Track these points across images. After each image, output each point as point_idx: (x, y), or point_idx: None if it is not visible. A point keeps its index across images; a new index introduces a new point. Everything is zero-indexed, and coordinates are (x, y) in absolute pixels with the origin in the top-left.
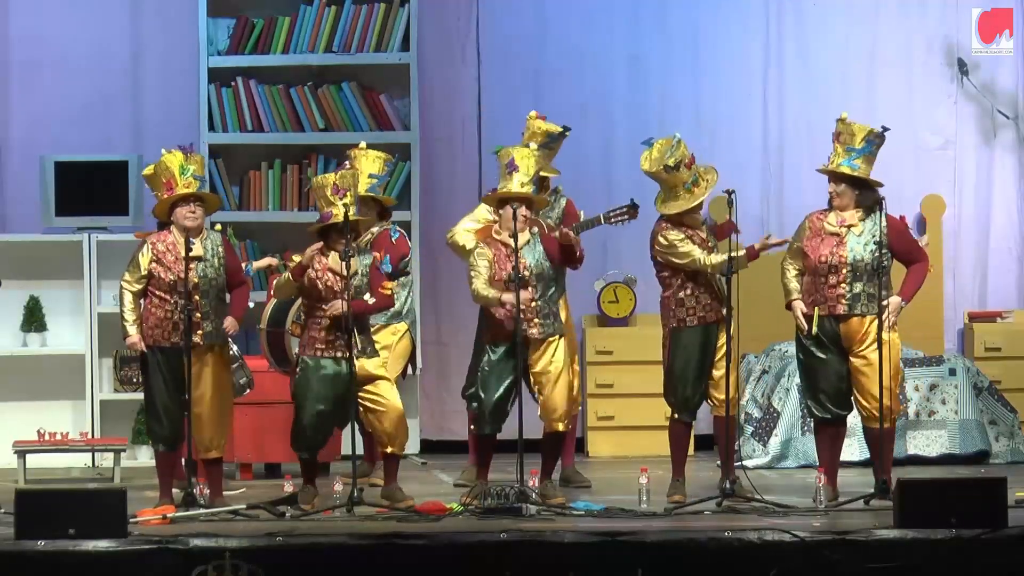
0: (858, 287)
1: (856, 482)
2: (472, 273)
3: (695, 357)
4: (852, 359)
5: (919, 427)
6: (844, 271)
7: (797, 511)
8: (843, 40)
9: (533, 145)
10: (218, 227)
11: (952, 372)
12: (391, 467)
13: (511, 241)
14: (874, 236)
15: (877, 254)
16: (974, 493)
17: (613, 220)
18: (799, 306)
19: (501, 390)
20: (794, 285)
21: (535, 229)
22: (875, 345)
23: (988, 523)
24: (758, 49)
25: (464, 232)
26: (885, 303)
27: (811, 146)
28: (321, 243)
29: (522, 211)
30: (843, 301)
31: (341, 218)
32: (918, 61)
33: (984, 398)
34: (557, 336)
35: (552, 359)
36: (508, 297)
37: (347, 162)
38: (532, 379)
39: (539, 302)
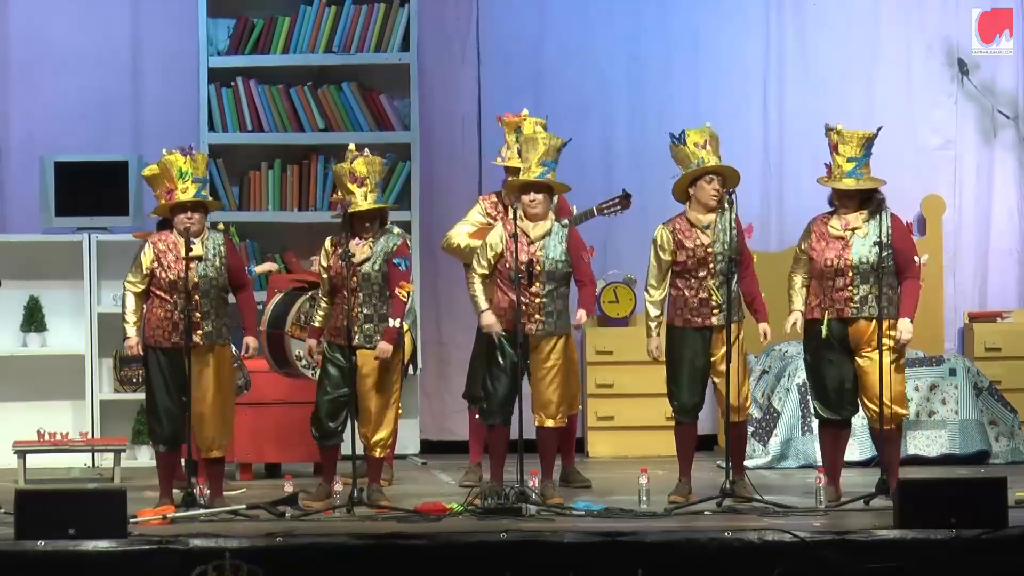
0: (864, 289)
1: (856, 482)
2: (475, 266)
3: (684, 359)
4: (858, 360)
5: (919, 427)
6: (850, 274)
7: (797, 511)
8: (843, 40)
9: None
10: (220, 226)
11: (952, 372)
12: (371, 468)
13: (530, 230)
14: (877, 237)
15: (881, 253)
16: (974, 493)
17: (606, 212)
18: (797, 321)
19: (509, 382)
20: (797, 295)
21: (564, 221)
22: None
23: (988, 523)
24: (758, 49)
25: (459, 233)
26: (896, 331)
27: (811, 146)
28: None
29: (531, 198)
30: (851, 304)
31: (359, 207)
32: (918, 61)
33: (984, 398)
34: (561, 335)
35: (550, 356)
36: (487, 320)
37: (366, 150)
38: (530, 374)
39: (544, 299)
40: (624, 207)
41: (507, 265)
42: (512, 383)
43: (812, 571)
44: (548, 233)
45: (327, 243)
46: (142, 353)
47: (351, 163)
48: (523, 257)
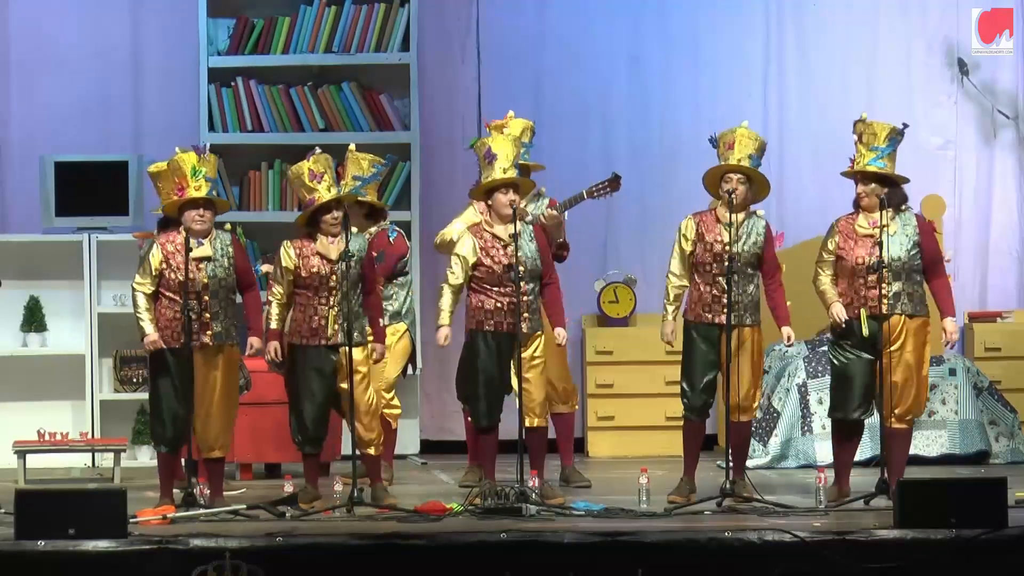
0: (897, 286)
1: (857, 482)
2: (448, 277)
3: (698, 357)
4: (884, 358)
5: (919, 427)
6: (884, 271)
7: (797, 511)
8: (843, 40)
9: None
10: (228, 226)
11: (952, 372)
12: (371, 466)
13: (502, 233)
14: (907, 235)
15: (909, 251)
16: (974, 493)
17: (596, 194)
18: (840, 311)
19: (498, 383)
20: (832, 290)
21: (529, 218)
22: (910, 345)
23: (988, 523)
24: (758, 49)
25: (453, 229)
26: (947, 333)
27: (811, 146)
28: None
29: (511, 198)
30: (885, 301)
31: (324, 199)
32: (918, 61)
33: (984, 398)
34: (540, 331)
35: (535, 353)
36: (440, 335)
37: (316, 148)
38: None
39: (529, 298)
40: (614, 189)
41: (489, 268)
42: (497, 384)
43: (812, 571)
44: (518, 232)
45: (288, 247)
46: (164, 346)
47: (309, 161)
48: (504, 260)
